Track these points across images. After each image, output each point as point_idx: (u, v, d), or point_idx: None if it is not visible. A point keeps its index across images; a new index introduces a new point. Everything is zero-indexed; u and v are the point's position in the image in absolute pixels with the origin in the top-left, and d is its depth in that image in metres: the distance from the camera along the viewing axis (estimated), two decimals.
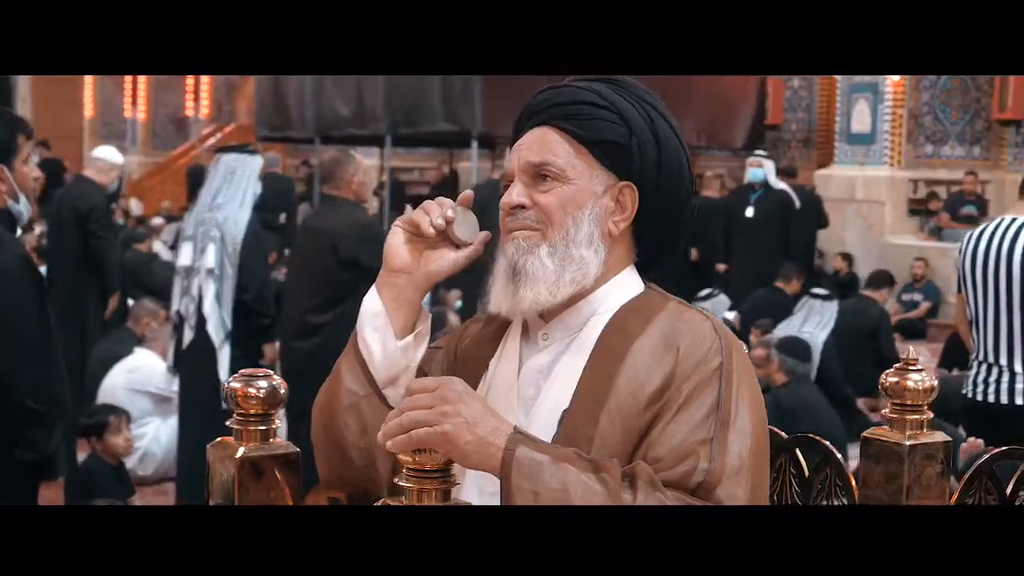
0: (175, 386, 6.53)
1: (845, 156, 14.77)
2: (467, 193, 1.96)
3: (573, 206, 1.86)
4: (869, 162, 14.40)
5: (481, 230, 1.95)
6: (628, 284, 1.93)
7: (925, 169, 14.59)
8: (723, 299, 9.51)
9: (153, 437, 6.89)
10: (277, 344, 6.24)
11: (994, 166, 14.65)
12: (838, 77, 15.16)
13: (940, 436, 2.23)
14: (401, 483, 1.58)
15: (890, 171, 14.30)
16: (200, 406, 6.00)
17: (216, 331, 5.92)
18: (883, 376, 2.23)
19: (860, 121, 14.46)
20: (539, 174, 1.88)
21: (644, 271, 1.97)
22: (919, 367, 2.23)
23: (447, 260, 1.93)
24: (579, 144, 1.88)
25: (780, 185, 10.42)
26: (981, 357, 4.93)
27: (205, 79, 24.44)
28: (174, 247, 16.26)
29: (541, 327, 1.92)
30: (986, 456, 2.30)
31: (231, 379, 1.86)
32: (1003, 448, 2.39)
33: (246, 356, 5.96)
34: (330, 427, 1.93)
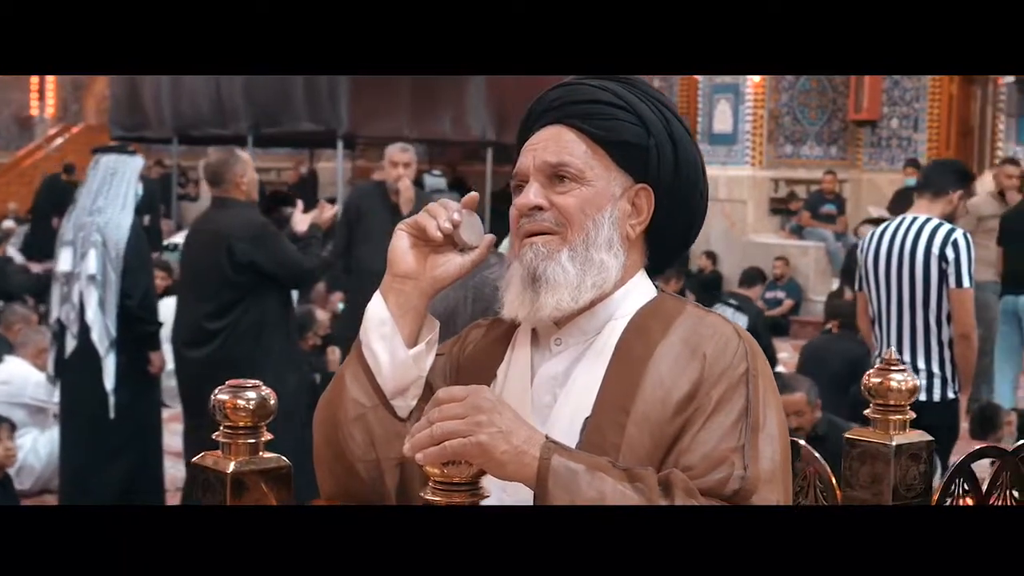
0: (55, 396, 6.29)
1: (707, 156, 14.92)
2: (472, 196, 1.88)
3: (592, 208, 1.80)
4: (731, 162, 14.66)
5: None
6: (642, 288, 1.87)
7: (785, 169, 14.92)
8: None
9: (31, 449, 6.62)
10: (166, 351, 6.05)
11: (851, 165, 15.04)
12: (699, 77, 15.37)
13: (923, 435, 2.22)
14: (428, 496, 1.51)
15: (752, 171, 14.57)
16: (83, 416, 5.80)
17: (101, 339, 5.73)
18: (865, 376, 2.22)
19: (722, 121, 14.69)
20: (556, 175, 1.81)
21: (651, 274, 1.92)
22: (901, 367, 2.23)
23: (453, 264, 1.84)
24: (595, 144, 1.82)
25: None
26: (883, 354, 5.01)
27: (51, 77, 23.75)
28: (23, 250, 15.82)
29: (553, 333, 1.85)
30: (964, 456, 2.31)
31: (219, 390, 1.76)
32: (978, 448, 2.41)
33: (132, 364, 5.78)
34: (334, 440, 1.83)
